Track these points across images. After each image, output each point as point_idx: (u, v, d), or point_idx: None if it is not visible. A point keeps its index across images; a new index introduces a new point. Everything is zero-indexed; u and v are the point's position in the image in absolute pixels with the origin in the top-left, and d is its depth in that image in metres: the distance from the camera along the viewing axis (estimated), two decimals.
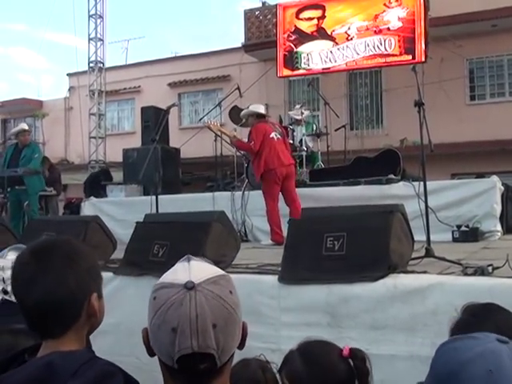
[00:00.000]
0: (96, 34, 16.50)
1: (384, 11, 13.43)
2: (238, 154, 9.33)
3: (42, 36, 65.90)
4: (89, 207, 8.90)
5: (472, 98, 15.56)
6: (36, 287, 1.32)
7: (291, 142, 8.41)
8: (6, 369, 1.27)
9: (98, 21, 16.58)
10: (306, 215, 3.93)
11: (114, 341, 3.82)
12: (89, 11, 16.53)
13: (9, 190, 8.00)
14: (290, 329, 3.30)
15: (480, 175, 8.26)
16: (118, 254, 4.73)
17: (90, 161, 16.54)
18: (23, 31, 57.24)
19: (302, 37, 14.32)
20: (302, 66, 14.31)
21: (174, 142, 11.83)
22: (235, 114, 9.97)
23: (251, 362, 2.06)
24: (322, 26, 14.17)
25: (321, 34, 14.14)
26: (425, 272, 3.34)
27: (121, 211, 8.33)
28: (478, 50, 14.81)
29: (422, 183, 4.50)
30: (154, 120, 10.35)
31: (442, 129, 12.38)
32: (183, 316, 1.09)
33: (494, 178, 6.72)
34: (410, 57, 12.98)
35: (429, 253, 3.87)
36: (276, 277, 3.52)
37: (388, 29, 13.35)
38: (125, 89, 20.03)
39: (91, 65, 16.69)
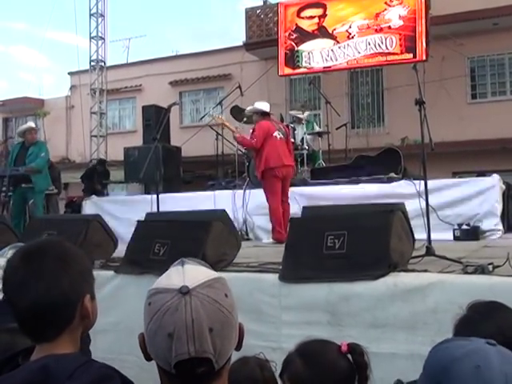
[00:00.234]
0: (97, 32, 16.48)
1: (385, 10, 13.42)
2: (239, 152, 9.34)
3: (43, 35, 65.79)
4: (90, 206, 8.93)
5: (473, 96, 15.55)
6: (29, 290, 1.30)
7: (293, 140, 8.42)
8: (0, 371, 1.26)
9: (99, 19, 16.56)
10: (306, 214, 3.93)
11: (114, 339, 3.83)
12: (90, 10, 16.51)
13: (12, 188, 7.97)
14: (291, 327, 3.31)
15: (481, 174, 8.26)
16: (119, 252, 4.74)
17: (92, 159, 16.49)
18: (24, 30, 57.28)
19: (303, 35, 14.31)
20: (303, 64, 14.30)
21: (175, 141, 11.85)
22: (236, 112, 10.01)
23: (250, 361, 2.06)
24: (323, 24, 14.16)
25: (322, 32, 14.13)
26: (425, 270, 3.34)
27: (122, 210, 8.35)
28: (479, 49, 14.78)
29: (422, 182, 4.51)
30: (155, 119, 10.38)
31: (444, 127, 12.37)
32: (179, 321, 1.08)
33: (495, 176, 6.73)
34: (411, 55, 12.97)
35: (429, 251, 3.86)
36: (277, 275, 3.52)
37: (389, 27, 13.34)
38: (126, 87, 20.04)
39: (92, 63, 16.67)
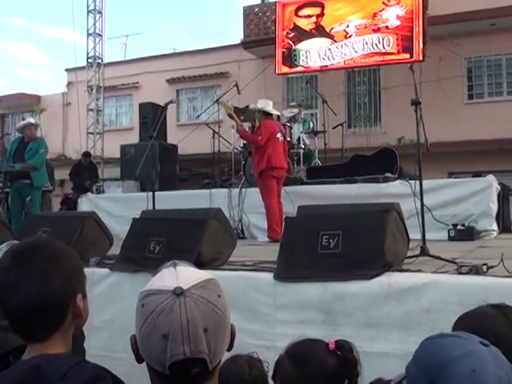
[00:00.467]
0: (95, 29, 16.48)
1: (383, 9, 13.44)
2: (235, 150, 9.34)
3: (41, 31, 65.72)
4: (85, 203, 8.90)
5: (470, 96, 15.58)
6: (20, 290, 1.29)
7: (289, 139, 8.44)
8: None
9: (97, 16, 16.56)
10: (301, 213, 3.93)
11: (108, 337, 3.83)
12: (88, 6, 16.51)
13: (9, 184, 7.91)
14: (285, 326, 3.31)
15: (477, 174, 8.29)
16: (115, 249, 4.73)
17: None
18: (21, 26, 57.19)
19: (301, 34, 14.32)
20: (301, 63, 14.31)
21: (171, 139, 11.84)
22: (235, 111, 10.00)
23: (239, 359, 2.07)
24: (321, 23, 14.18)
25: (319, 31, 14.15)
26: (419, 271, 3.35)
27: (118, 207, 8.34)
28: (477, 49, 14.81)
29: (418, 182, 4.51)
30: (152, 116, 10.37)
31: (440, 127, 12.40)
32: (174, 322, 1.08)
33: (491, 177, 6.74)
34: (408, 55, 13.00)
35: (424, 251, 3.88)
36: (272, 274, 3.52)
37: (386, 27, 13.36)
38: (123, 85, 20.00)
39: (90, 60, 16.67)
